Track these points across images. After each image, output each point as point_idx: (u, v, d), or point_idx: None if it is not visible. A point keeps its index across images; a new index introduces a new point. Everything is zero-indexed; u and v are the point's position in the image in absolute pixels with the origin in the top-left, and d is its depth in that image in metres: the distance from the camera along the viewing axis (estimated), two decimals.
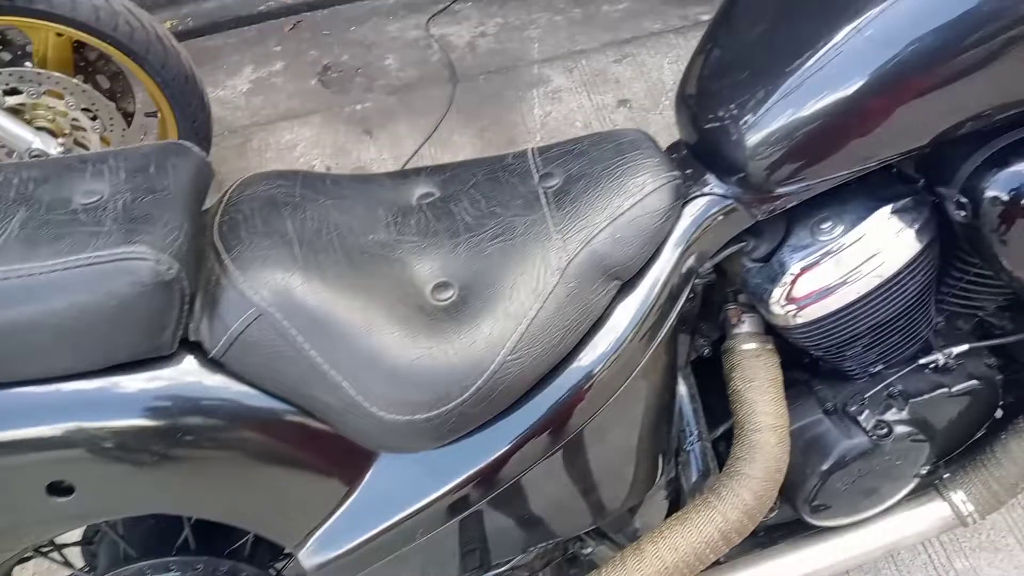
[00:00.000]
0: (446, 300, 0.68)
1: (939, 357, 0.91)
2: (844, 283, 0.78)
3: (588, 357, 0.72)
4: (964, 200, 0.71)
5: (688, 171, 0.78)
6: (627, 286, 0.74)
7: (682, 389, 0.92)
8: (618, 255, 0.71)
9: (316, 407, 0.66)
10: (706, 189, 0.76)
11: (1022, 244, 0.73)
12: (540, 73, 2.28)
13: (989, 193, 0.70)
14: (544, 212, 0.72)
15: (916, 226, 0.76)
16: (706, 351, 0.92)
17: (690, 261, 0.76)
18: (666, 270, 0.74)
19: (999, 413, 1.04)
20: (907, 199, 0.76)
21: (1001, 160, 0.70)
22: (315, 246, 0.66)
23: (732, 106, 0.73)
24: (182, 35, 2.58)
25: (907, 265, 0.78)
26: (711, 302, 0.90)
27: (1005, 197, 0.69)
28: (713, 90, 0.77)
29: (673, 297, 0.77)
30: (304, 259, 0.65)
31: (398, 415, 0.64)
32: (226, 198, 0.71)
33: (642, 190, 0.71)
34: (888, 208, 0.76)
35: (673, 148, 0.82)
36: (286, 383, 0.65)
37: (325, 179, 0.76)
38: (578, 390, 0.73)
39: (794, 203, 0.77)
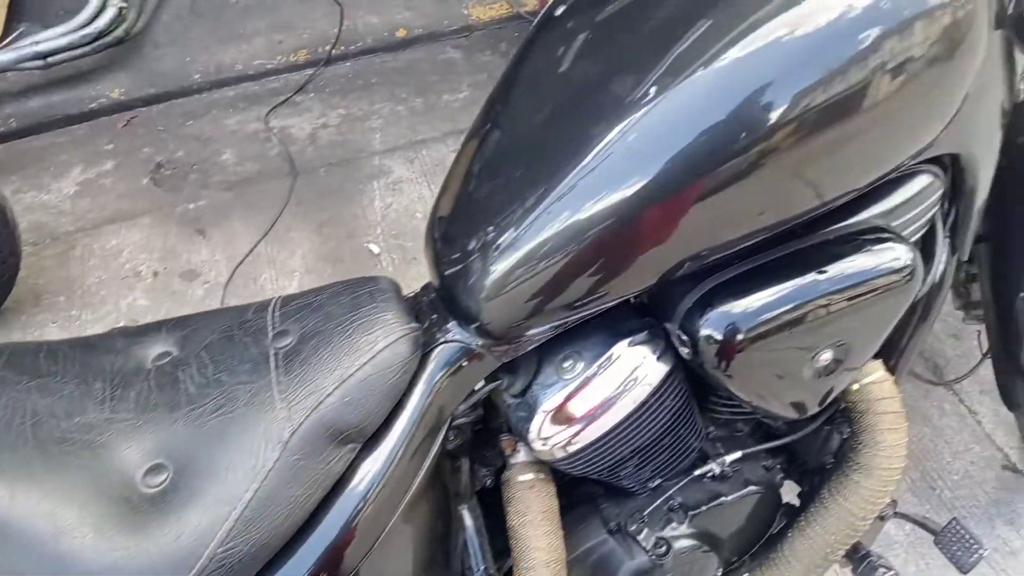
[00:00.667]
0: (158, 486, 0.64)
1: (714, 466, 0.93)
2: (593, 418, 0.78)
3: (326, 527, 0.69)
4: (684, 337, 0.73)
5: (433, 316, 0.77)
6: (368, 445, 0.72)
7: (468, 522, 0.90)
8: (349, 419, 0.68)
9: None
10: (448, 336, 0.75)
11: (744, 377, 0.76)
12: (381, 164, 2.29)
13: (703, 332, 0.72)
14: (271, 378, 0.69)
15: (655, 357, 0.78)
16: (488, 481, 0.91)
17: (437, 410, 0.75)
18: (409, 424, 0.73)
19: (796, 502, 1.07)
20: (643, 332, 0.78)
21: (711, 300, 0.72)
22: (1, 442, 0.61)
23: (467, 247, 0.73)
24: (5, 136, 2.45)
25: (652, 394, 0.79)
26: (491, 430, 0.89)
27: (719, 336, 0.71)
28: (451, 228, 0.76)
29: (424, 448, 0.75)
30: None
31: None
32: None
33: (373, 348, 0.70)
34: (625, 342, 0.77)
35: (424, 290, 0.81)
36: None
37: (38, 353, 0.71)
38: (320, 560, 0.69)
39: (540, 342, 0.77)
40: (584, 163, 0.68)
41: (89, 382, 0.69)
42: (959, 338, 1.69)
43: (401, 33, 2.78)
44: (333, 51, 2.72)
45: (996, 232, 1.08)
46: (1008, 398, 1.11)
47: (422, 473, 0.75)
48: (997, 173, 1.06)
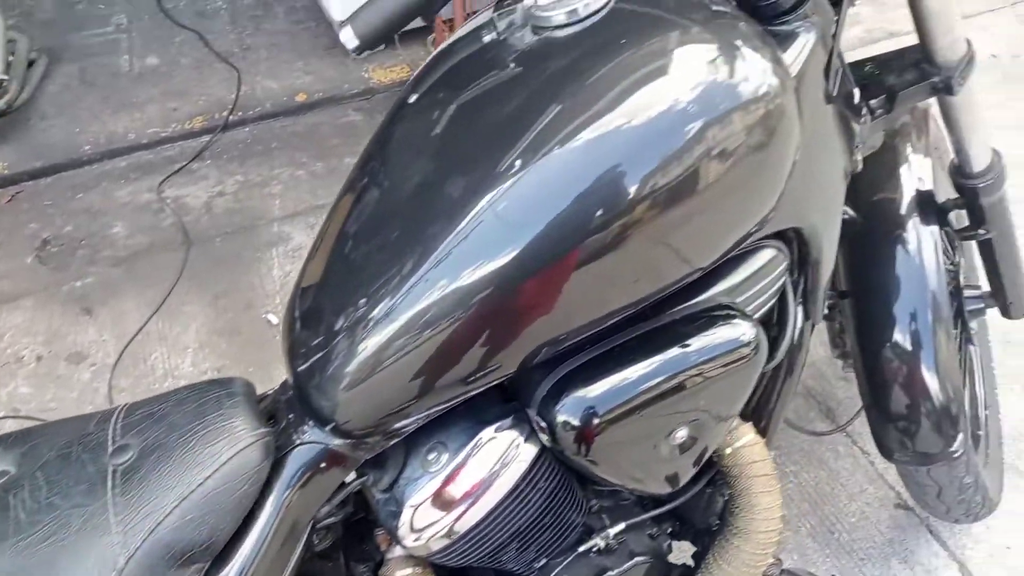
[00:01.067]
0: None
1: (599, 540, 0.93)
2: (464, 509, 0.77)
3: None
4: (543, 424, 0.73)
5: (290, 416, 0.75)
6: (218, 563, 0.68)
7: None
8: (192, 538, 0.65)
9: None
10: (305, 437, 0.73)
11: (606, 460, 0.76)
12: (280, 231, 2.25)
13: (559, 418, 0.72)
14: (107, 499, 0.65)
15: (523, 439, 0.77)
16: None
17: (294, 517, 0.72)
18: (261, 536, 0.69)
19: (691, 563, 1.07)
20: (508, 418, 0.77)
21: (565, 386, 0.72)
22: None
23: (318, 341, 0.71)
24: None
25: (524, 477, 0.79)
26: (368, 522, 0.87)
27: (575, 422, 0.71)
28: (306, 317, 0.74)
29: (282, 558, 0.72)
30: None
31: None
32: None
33: (218, 459, 0.67)
34: (491, 428, 0.77)
35: (282, 388, 0.79)
36: None
37: None
38: None
39: (404, 435, 0.76)
40: (431, 259, 0.68)
41: None
42: (848, 380, 1.75)
43: (301, 97, 2.77)
44: (231, 117, 2.68)
45: (857, 288, 1.12)
46: (883, 447, 1.14)
47: None
48: (855, 231, 1.11)
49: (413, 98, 0.81)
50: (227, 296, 2.05)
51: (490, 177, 0.67)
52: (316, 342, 0.72)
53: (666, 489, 0.86)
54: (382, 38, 0.82)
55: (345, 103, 2.77)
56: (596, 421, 0.71)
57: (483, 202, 0.66)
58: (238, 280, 2.09)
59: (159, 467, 0.67)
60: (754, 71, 0.67)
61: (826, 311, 1.30)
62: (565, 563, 0.92)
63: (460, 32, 0.84)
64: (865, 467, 1.63)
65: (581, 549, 0.92)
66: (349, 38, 0.81)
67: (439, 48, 0.85)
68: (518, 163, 0.66)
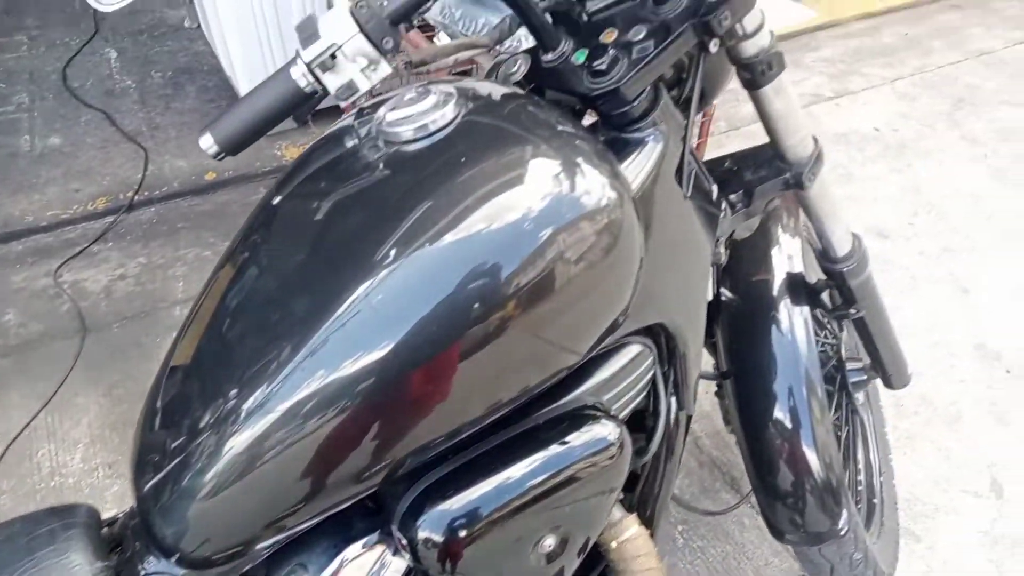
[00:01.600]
0: None
1: None
2: None
3: None
4: (404, 542, 0.71)
5: (136, 544, 0.71)
6: None
7: None
8: None
9: None
10: (150, 568, 0.69)
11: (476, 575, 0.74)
12: (182, 315, 2.18)
13: (421, 535, 0.70)
14: None
15: (390, 556, 0.75)
16: None
17: None
18: None
19: None
20: (375, 532, 0.75)
21: (425, 500, 0.70)
22: None
23: (162, 456, 0.67)
24: None
25: None
26: None
27: (437, 538, 0.70)
28: (154, 431, 0.71)
29: None
30: None
31: None
32: None
33: None
34: (358, 545, 0.74)
35: (131, 512, 0.75)
36: None
37: None
38: None
39: (260, 559, 0.72)
40: (280, 375, 0.65)
41: None
42: None
43: (210, 176, 2.74)
44: (136, 197, 2.62)
45: (736, 368, 1.15)
46: (773, 528, 1.15)
47: None
48: (732, 312, 1.14)
49: (277, 199, 0.80)
50: (122, 386, 1.96)
51: (331, 293, 0.66)
52: (159, 459, 0.69)
53: None
54: (243, 144, 0.82)
55: (257, 181, 2.75)
56: (461, 535, 0.70)
57: (329, 317, 0.65)
58: (134, 369, 2.01)
59: None
60: (592, 185, 0.69)
61: (716, 388, 1.33)
62: None
63: (324, 135, 0.84)
64: (770, 539, 1.62)
65: None
66: (209, 145, 0.80)
67: (305, 151, 0.85)
68: (356, 280, 0.65)
